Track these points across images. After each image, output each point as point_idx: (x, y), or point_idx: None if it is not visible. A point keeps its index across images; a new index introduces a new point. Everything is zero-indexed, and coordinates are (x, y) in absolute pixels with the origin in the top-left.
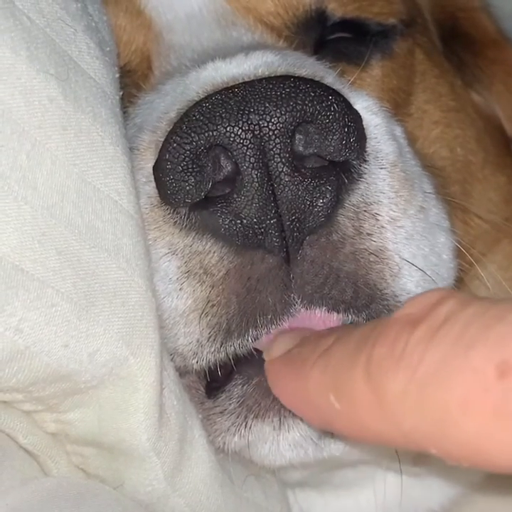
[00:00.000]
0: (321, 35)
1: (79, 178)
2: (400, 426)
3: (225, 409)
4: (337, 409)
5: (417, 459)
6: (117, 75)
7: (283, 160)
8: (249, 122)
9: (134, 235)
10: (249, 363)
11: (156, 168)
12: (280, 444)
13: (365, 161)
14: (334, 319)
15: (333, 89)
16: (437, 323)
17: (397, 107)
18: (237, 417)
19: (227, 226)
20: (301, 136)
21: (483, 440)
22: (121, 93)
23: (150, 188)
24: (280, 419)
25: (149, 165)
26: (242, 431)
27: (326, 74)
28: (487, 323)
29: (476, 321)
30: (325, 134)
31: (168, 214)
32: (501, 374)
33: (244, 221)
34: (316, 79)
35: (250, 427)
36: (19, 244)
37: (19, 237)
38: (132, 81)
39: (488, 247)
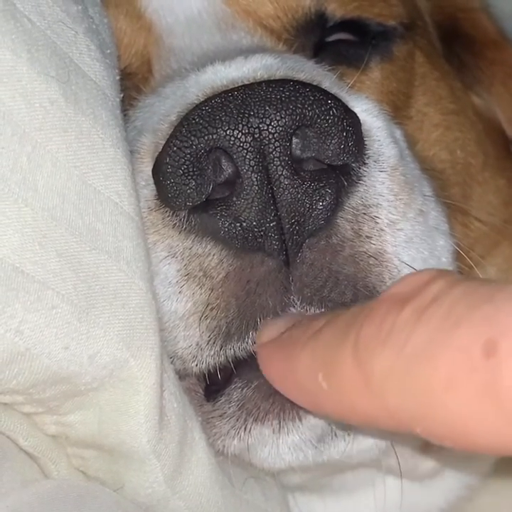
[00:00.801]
0: (320, 38)
1: (79, 180)
2: (386, 405)
3: (225, 413)
4: (325, 390)
5: (425, 447)
6: (118, 78)
7: (283, 163)
8: (249, 125)
9: (135, 237)
10: (249, 366)
11: (156, 172)
12: (280, 447)
13: (365, 163)
14: None
15: (332, 94)
16: (425, 302)
17: (397, 109)
18: (237, 421)
19: (226, 229)
20: (300, 140)
21: (467, 420)
22: (121, 95)
23: (149, 191)
24: (280, 422)
25: (149, 168)
26: (242, 434)
27: (325, 77)
28: (474, 303)
29: (463, 300)
30: (324, 138)
31: (168, 217)
32: (487, 353)
33: (244, 224)
34: (315, 82)
35: (250, 431)
36: (20, 246)
37: (20, 239)
38: (132, 84)
39: (487, 249)
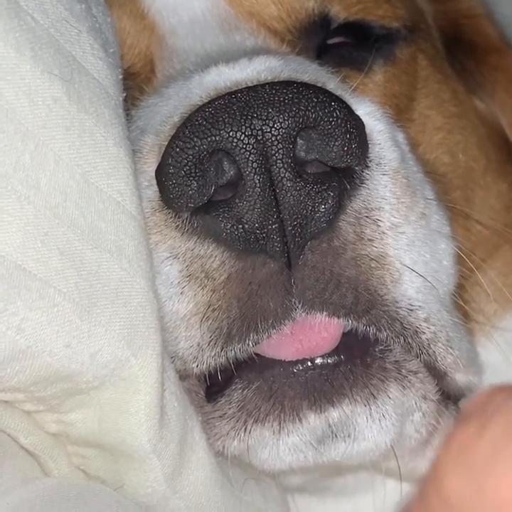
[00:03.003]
0: (323, 40)
1: (82, 178)
2: None
3: (225, 414)
4: None
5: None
6: (121, 77)
7: (285, 165)
8: (252, 127)
9: (137, 235)
10: (250, 367)
11: (159, 172)
12: (280, 448)
13: (367, 166)
14: (335, 324)
15: (336, 96)
16: (488, 414)
17: (400, 112)
18: (237, 422)
19: (228, 231)
20: (304, 142)
21: None
22: (124, 95)
23: (152, 191)
24: (280, 423)
25: (151, 168)
26: (242, 435)
27: (329, 80)
28: None
29: None
30: (327, 140)
31: (170, 218)
32: None
33: (246, 226)
34: (319, 84)
35: (250, 432)
36: (22, 244)
37: (22, 237)
38: (135, 84)
39: (488, 253)
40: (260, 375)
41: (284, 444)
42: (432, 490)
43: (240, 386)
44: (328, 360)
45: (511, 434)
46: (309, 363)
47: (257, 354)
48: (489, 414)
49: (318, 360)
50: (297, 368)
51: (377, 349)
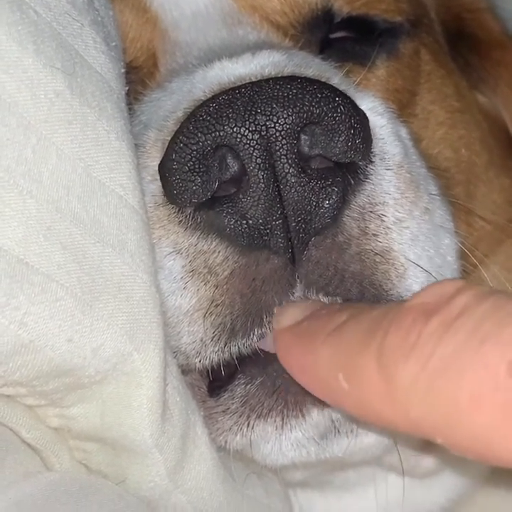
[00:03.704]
0: (326, 34)
1: (84, 172)
2: (408, 413)
3: (228, 409)
4: (345, 390)
5: (425, 446)
6: (123, 70)
7: (289, 161)
8: (256, 123)
9: (139, 230)
10: (253, 362)
11: (162, 168)
12: (282, 443)
13: (371, 162)
14: None
15: (340, 91)
16: (452, 315)
17: (402, 107)
18: (240, 417)
19: (232, 226)
20: (308, 137)
21: (490, 435)
22: (126, 88)
23: (155, 186)
24: (283, 419)
25: (155, 163)
26: (245, 430)
27: (333, 74)
28: (502, 320)
29: (491, 316)
30: (331, 135)
31: (173, 213)
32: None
33: (250, 221)
34: (323, 79)
35: (253, 427)
36: (24, 238)
37: (24, 231)
38: (138, 78)
39: (491, 248)
40: (263, 370)
41: (286, 440)
42: (374, 368)
43: (243, 381)
44: None
45: (475, 340)
46: None
47: (260, 349)
48: (454, 314)
49: None
50: None
51: None
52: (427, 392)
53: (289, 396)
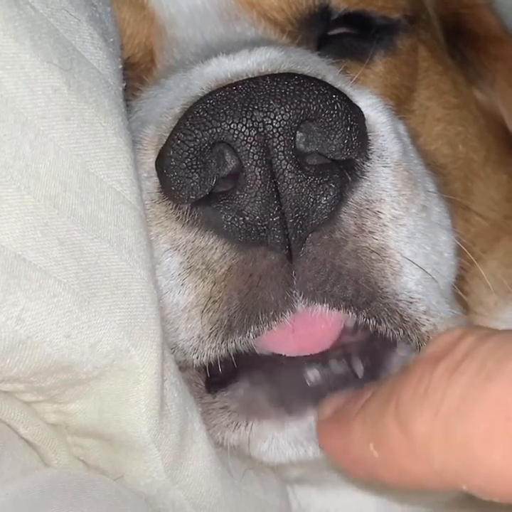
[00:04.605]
0: (324, 31)
1: (82, 168)
2: (431, 465)
3: (226, 406)
4: (376, 458)
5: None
6: (120, 66)
7: (287, 157)
8: (253, 119)
9: (137, 226)
10: (252, 360)
11: (160, 164)
12: (280, 441)
13: (368, 159)
14: (335, 317)
15: (336, 88)
16: (457, 359)
17: (400, 103)
18: (238, 415)
19: (229, 223)
20: (304, 134)
21: (507, 471)
22: (124, 85)
23: (151, 183)
24: (281, 418)
25: (151, 160)
26: (242, 428)
27: (329, 71)
28: (504, 355)
29: (493, 354)
30: (327, 132)
31: (171, 210)
32: None
33: (247, 218)
34: (320, 76)
35: (251, 425)
36: (21, 234)
37: (21, 227)
38: (135, 74)
39: (488, 244)
40: (263, 369)
41: (284, 438)
42: (395, 427)
43: (246, 385)
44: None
45: (481, 379)
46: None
47: (259, 349)
48: (459, 358)
49: (319, 358)
50: (299, 363)
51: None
52: (443, 439)
53: (288, 396)
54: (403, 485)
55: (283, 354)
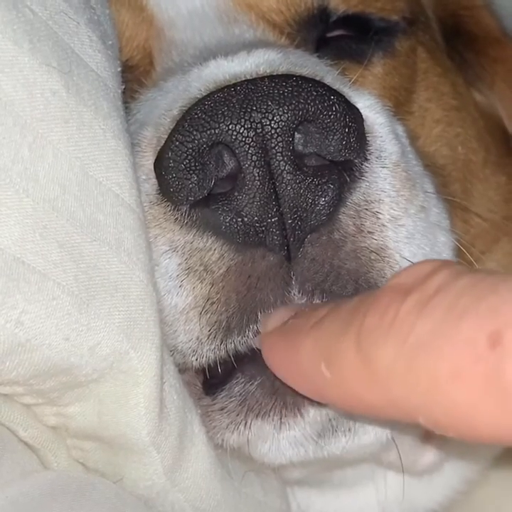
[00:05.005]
0: (323, 33)
1: (81, 171)
2: (389, 395)
3: (225, 407)
4: (328, 379)
5: (426, 437)
6: (119, 69)
7: (285, 158)
8: (251, 120)
9: (136, 228)
10: (252, 361)
11: (158, 166)
12: (280, 442)
13: (367, 159)
14: None
15: (335, 89)
16: (429, 293)
17: (399, 105)
18: (237, 415)
19: (228, 224)
20: (302, 135)
21: (470, 410)
22: (123, 87)
23: (149, 185)
24: (281, 418)
25: (150, 162)
26: (242, 429)
27: (328, 73)
28: (479, 294)
29: (467, 292)
30: (326, 133)
31: (169, 211)
32: (492, 344)
33: (246, 219)
34: (318, 78)
35: (250, 426)
36: (20, 237)
37: (20, 230)
38: (134, 76)
39: (487, 245)
40: (262, 369)
41: (284, 438)
42: (353, 352)
43: (241, 380)
44: None
45: (453, 316)
46: None
47: (258, 348)
48: (430, 292)
49: None
50: None
51: None
52: (406, 372)
53: (287, 396)
54: (353, 409)
55: None
